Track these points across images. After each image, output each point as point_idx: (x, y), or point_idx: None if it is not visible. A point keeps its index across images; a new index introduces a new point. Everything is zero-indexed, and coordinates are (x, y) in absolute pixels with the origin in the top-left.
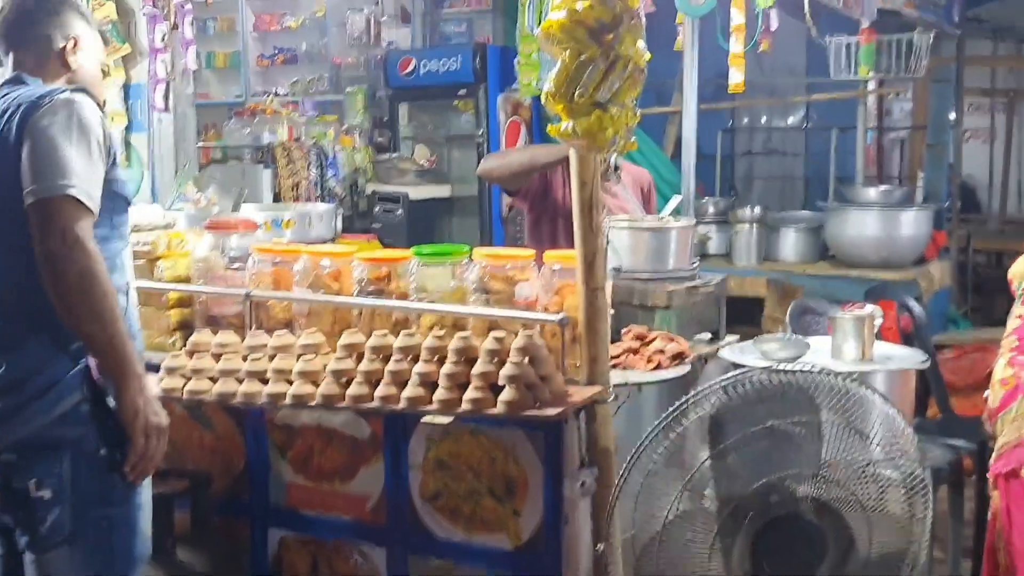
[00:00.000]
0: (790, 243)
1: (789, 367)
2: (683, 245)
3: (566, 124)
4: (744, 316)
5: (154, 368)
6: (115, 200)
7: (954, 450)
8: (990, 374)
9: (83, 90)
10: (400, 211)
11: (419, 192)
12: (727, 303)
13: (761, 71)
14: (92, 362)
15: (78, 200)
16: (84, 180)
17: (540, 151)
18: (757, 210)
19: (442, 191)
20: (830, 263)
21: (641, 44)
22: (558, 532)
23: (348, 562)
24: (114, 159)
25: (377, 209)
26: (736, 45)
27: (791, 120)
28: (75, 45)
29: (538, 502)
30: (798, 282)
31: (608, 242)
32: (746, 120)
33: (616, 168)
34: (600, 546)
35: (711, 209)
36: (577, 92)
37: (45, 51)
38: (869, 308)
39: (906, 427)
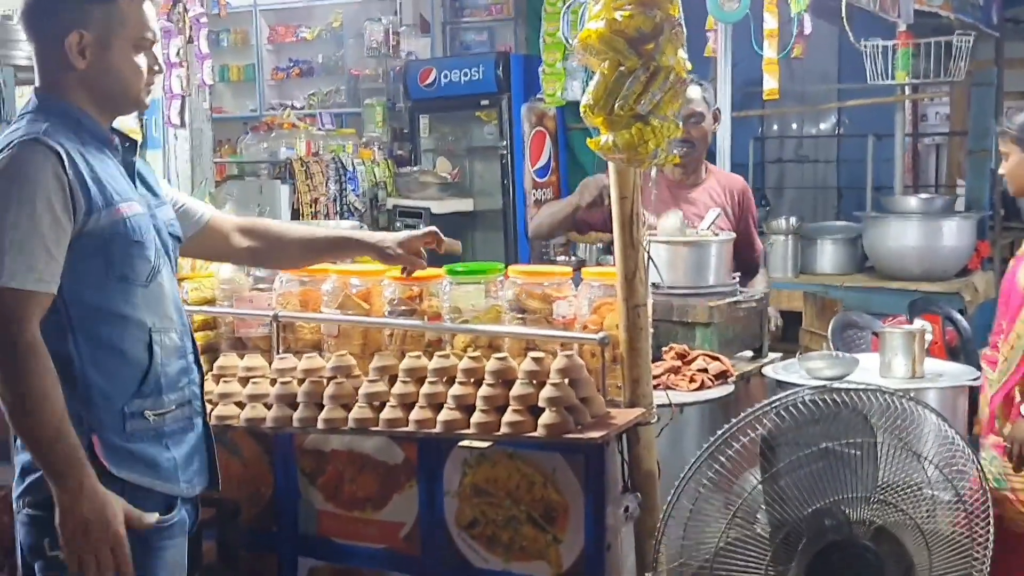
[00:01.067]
0: (827, 255)
1: (842, 385)
2: (723, 259)
3: (606, 137)
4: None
5: None
6: (110, 247)
7: None
8: None
9: (36, 138)
10: (422, 226)
11: (441, 206)
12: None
13: (792, 77)
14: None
15: (12, 288)
16: (22, 259)
17: (575, 197)
18: (793, 220)
19: (465, 204)
20: (869, 275)
21: (682, 54)
22: (601, 560)
23: None
24: (88, 204)
25: (398, 224)
26: (770, 51)
27: (823, 127)
28: (81, 40)
29: (579, 529)
30: (836, 295)
31: (649, 258)
32: (775, 128)
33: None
34: (648, 575)
35: None
36: (617, 104)
37: (50, 49)
38: (919, 323)
39: (964, 446)
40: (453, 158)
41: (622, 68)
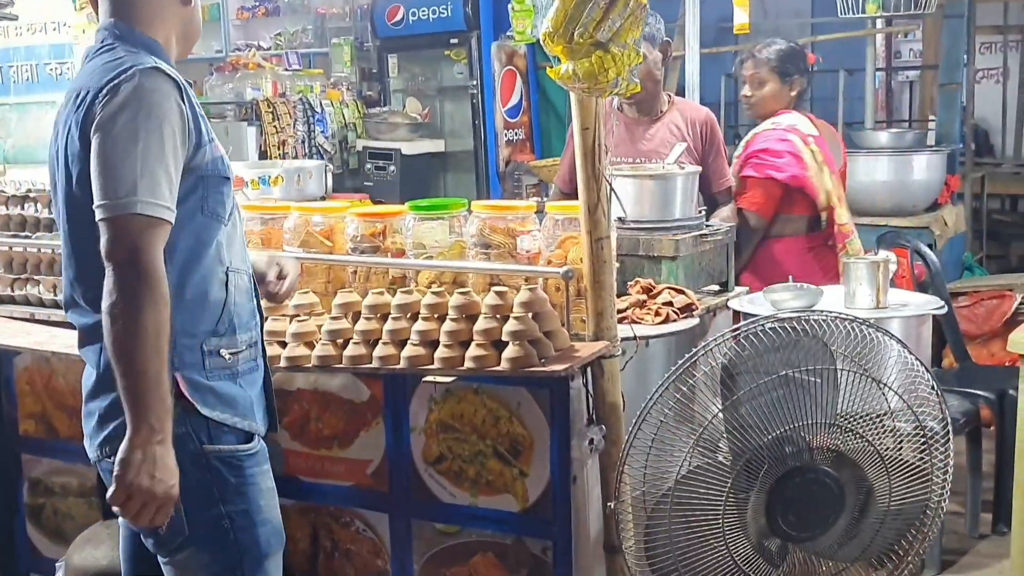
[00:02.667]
0: None
1: (802, 314)
2: (689, 193)
3: (566, 66)
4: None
5: None
6: (207, 183)
7: (972, 400)
8: (1007, 321)
9: (155, 66)
10: (392, 167)
11: (412, 147)
12: None
13: (765, 13)
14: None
15: (146, 215)
16: (152, 187)
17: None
18: None
19: (436, 146)
20: None
21: None
22: (567, 492)
23: (349, 529)
24: (199, 138)
25: (368, 166)
26: None
27: None
28: None
29: (545, 462)
30: None
31: (612, 190)
32: None
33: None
34: (611, 505)
35: None
36: (577, 32)
37: None
38: (883, 253)
39: (926, 374)
40: (423, 98)
41: None
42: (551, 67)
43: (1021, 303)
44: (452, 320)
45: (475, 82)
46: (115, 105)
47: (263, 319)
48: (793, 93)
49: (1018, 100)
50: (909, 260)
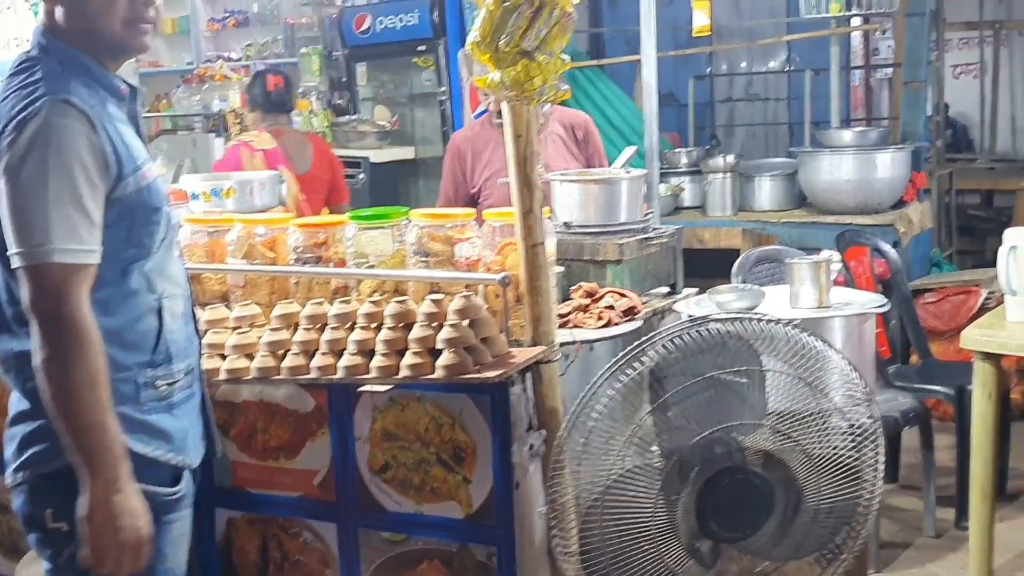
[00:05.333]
0: (765, 192)
1: (727, 316)
2: (634, 197)
3: (493, 74)
4: (721, 268)
5: None
6: (132, 214)
7: (927, 395)
8: (973, 317)
9: (66, 99)
10: (362, 175)
11: (381, 155)
12: (703, 256)
13: (739, 14)
14: None
15: (63, 263)
16: (68, 231)
17: None
18: (730, 159)
19: (406, 153)
20: (806, 210)
21: None
22: (510, 498)
23: (298, 540)
24: (120, 170)
25: None
26: None
27: (772, 64)
28: None
29: (488, 468)
30: (774, 231)
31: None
32: (724, 66)
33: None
34: (542, 508)
35: (684, 160)
36: (503, 41)
37: None
38: (825, 253)
39: (853, 373)
40: (393, 106)
41: (507, 3)
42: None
43: (987, 298)
44: (388, 329)
45: (443, 89)
46: (22, 146)
47: (201, 341)
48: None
49: (991, 95)
50: (869, 258)
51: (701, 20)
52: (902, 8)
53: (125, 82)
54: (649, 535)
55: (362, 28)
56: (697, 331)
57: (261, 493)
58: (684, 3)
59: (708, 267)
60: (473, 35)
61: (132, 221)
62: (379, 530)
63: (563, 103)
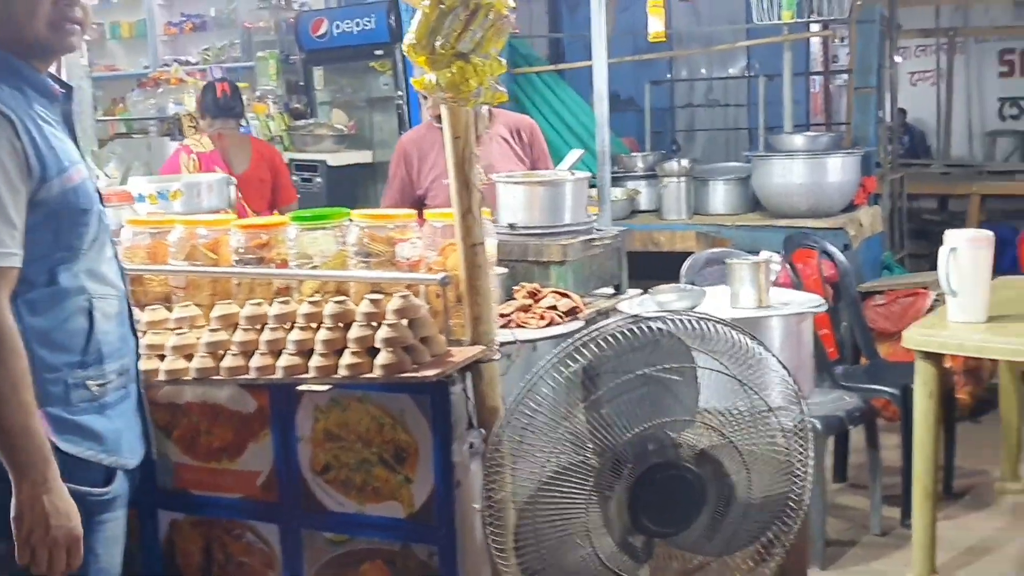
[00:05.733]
0: (720, 196)
1: (656, 314)
2: (578, 199)
3: (429, 76)
4: (675, 271)
5: None
6: (58, 216)
7: (875, 394)
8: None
9: None
10: (319, 179)
11: (338, 159)
12: (658, 258)
13: (698, 20)
14: None
15: None
16: None
17: None
18: (685, 163)
19: (363, 157)
20: (760, 214)
21: None
22: (451, 497)
23: (241, 541)
24: (43, 172)
25: (294, 178)
26: None
27: (732, 70)
28: None
29: (429, 468)
30: (727, 234)
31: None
32: (685, 72)
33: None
34: (476, 506)
35: (640, 164)
36: (438, 42)
37: None
38: (764, 254)
39: (783, 371)
40: (351, 110)
41: (443, 6)
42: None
43: (936, 300)
44: (327, 329)
45: (400, 93)
46: None
47: (138, 341)
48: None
49: (946, 101)
50: (818, 260)
51: (656, 26)
52: (854, 15)
53: (61, 82)
54: (583, 531)
55: (319, 32)
56: (630, 329)
57: (204, 495)
58: (643, 9)
59: (663, 269)
60: (409, 37)
61: (59, 223)
62: (322, 531)
63: (500, 105)
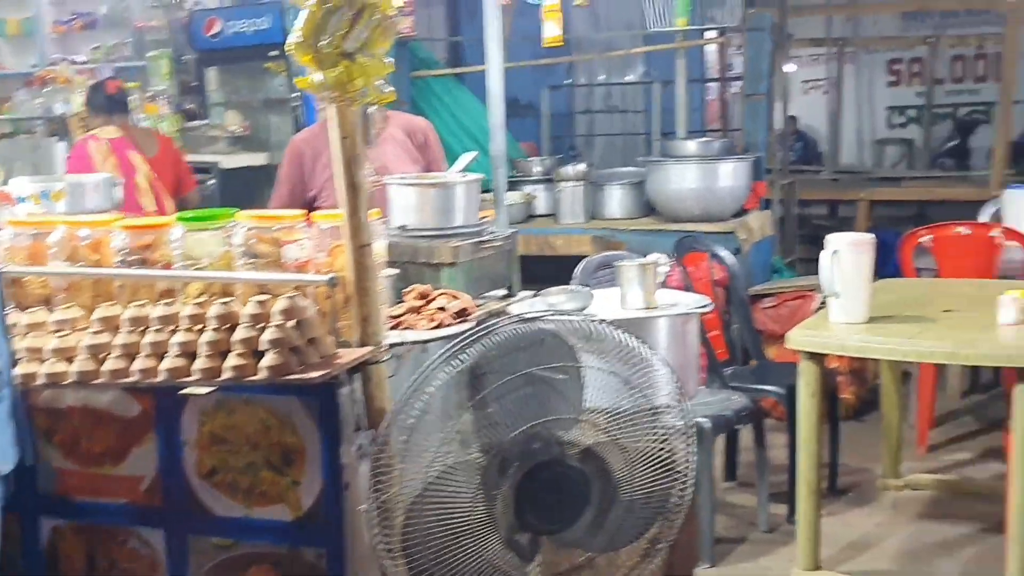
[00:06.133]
0: (615, 200)
1: (538, 314)
2: (470, 201)
3: (314, 75)
4: (571, 274)
5: None
6: None
7: (762, 394)
8: None
9: None
10: (212, 181)
11: (232, 160)
12: (554, 262)
13: (596, 26)
14: None
15: None
16: None
17: None
18: (581, 168)
19: (258, 159)
20: (654, 218)
21: None
22: (339, 499)
23: (125, 547)
24: None
25: None
26: None
27: (630, 76)
28: None
29: (317, 470)
30: (622, 238)
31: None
32: (584, 78)
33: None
34: (363, 507)
35: (537, 168)
36: (324, 42)
37: None
38: (652, 256)
39: (666, 370)
40: (245, 111)
41: (328, 5)
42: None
43: (822, 302)
44: (212, 330)
45: (296, 95)
46: None
47: (9, 346)
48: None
49: (835, 109)
50: (708, 263)
51: (552, 31)
52: (745, 23)
53: None
54: (469, 530)
55: (212, 32)
56: (516, 329)
57: (87, 500)
58: (528, 13)
59: (559, 273)
60: (295, 36)
61: None
62: (208, 535)
63: (396, 107)
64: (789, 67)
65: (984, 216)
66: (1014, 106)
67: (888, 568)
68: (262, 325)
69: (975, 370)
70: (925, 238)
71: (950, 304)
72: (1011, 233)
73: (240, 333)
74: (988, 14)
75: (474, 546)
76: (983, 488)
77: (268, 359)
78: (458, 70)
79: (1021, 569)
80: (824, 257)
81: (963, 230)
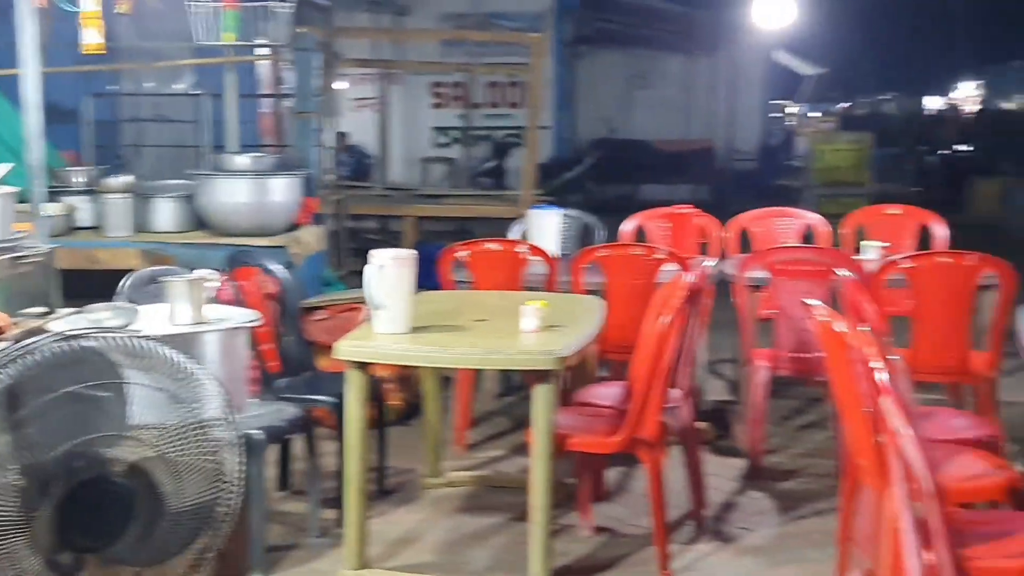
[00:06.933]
0: (165, 213)
1: (77, 332)
2: (4, 214)
3: None
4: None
5: None
6: None
7: (313, 404)
8: None
9: None
10: None
11: None
12: (100, 276)
13: (144, 35)
14: None
15: None
16: None
17: None
18: (127, 179)
19: None
20: (206, 232)
21: None
22: None
23: None
24: None
25: None
26: (90, 4)
27: (180, 86)
28: None
29: None
30: (173, 252)
31: None
32: (132, 86)
33: None
34: None
35: (80, 178)
36: None
37: None
38: (200, 272)
39: (214, 384)
40: None
41: None
42: None
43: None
44: None
45: None
46: None
47: None
48: None
49: (383, 129)
50: (260, 277)
51: (92, 37)
52: (292, 42)
53: None
54: (8, 555)
55: None
56: (56, 346)
57: None
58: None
59: (105, 287)
60: None
61: None
62: None
63: None
64: (340, 85)
65: (514, 233)
66: (541, 131)
67: (429, 560)
68: None
69: (506, 373)
70: (462, 253)
71: (482, 314)
72: (535, 249)
73: None
74: (515, 46)
75: (13, 570)
76: (512, 481)
77: None
78: None
79: (542, 552)
80: (369, 271)
81: (493, 246)
